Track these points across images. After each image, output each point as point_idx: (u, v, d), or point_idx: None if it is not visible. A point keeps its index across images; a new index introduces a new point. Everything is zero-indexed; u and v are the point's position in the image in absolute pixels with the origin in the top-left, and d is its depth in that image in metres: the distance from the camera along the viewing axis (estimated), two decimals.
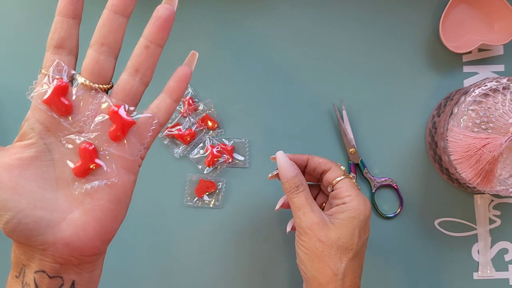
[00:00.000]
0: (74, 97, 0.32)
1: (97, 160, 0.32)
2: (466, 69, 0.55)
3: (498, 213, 0.54)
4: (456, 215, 0.54)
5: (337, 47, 0.55)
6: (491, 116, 0.45)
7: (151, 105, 0.34)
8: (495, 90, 0.46)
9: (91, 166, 0.32)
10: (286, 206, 0.48)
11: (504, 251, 0.54)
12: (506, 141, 0.42)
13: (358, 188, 0.44)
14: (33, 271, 0.31)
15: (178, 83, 0.34)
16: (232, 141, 0.54)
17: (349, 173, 0.54)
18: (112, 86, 0.33)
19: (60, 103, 0.31)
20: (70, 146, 0.32)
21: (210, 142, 0.54)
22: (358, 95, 0.55)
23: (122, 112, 0.32)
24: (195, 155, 0.54)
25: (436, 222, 0.54)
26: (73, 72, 0.33)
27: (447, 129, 0.47)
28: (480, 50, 0.55)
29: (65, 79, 0.32)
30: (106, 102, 0.32)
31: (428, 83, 0.55)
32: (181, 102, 0.54)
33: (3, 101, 0.55)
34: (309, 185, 0.47)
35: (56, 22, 0.32)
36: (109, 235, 0.33)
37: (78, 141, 0.32)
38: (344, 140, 0.54)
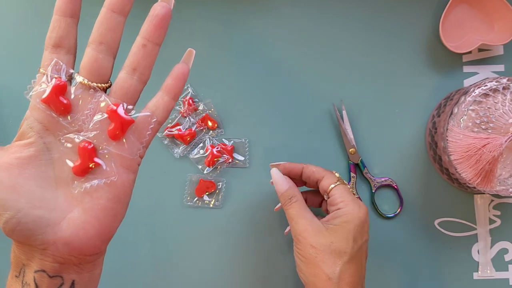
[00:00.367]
0: (72, 96, 0.32)
1: (96, 159, 0.32)
2: (466, 69, 0.55)
3: (498, 213, 0.54)
4: (456, 215, 0.54)
5: (337, 47, 0.55)
6: (491, 116, 0.45)
7: (149, 104, 0.34)
8: (495, 90, 0.46)
9: (91, 165, 0.32)
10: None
11: (504, 251, 0.54)
12: (506, 141, 0.42)
13: (354, 194, 0.45)
14: (33, 270, 0.31)
15: (176, 81, 0.34)
16: (232, 141, 0.54)
17: (349, 173, 0.54)
18: (111, 85, 0.33)
19: (59, 102, 0.31)
20: (69, 145, 0.32)
21: (210, 142, 0.54)
22: (358, 95, 0.55)
23: (120, 111, 0.32)
24: (195, 155, 0.54)
25: (436, 222, 0.54)
26: (71, 71, 0.33)
27: (447, 129, 0.47)
28: (480, 50, 0.55)
29: (64, 78, 0.32)
30: (104, 101, 0.32)
31: (428, 83, 0.55)
32: (181, 102, 0.54)
33: (3, 101, 0.55)
34: (313, 191, 0.50)
35: (54, 21, 0.32)
36: (109, 234, 0.33)
37: (77, 140, 0.32)
38: (344, 140, 0.54)
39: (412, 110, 0.55)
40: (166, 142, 0.54)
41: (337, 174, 0.46)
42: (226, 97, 0.55)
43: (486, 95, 0.46)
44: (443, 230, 0.54)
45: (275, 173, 0.47)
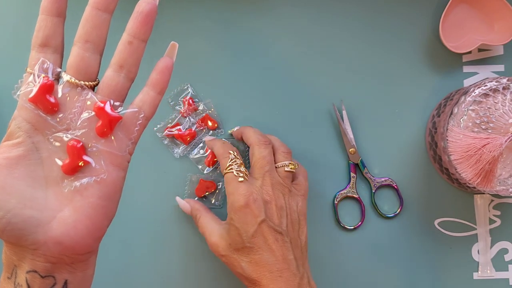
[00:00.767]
0: (60, 95, 0.32)
1: (85, 157, 0.32)
2: (466, 69, 0.55)
3: (498, 213, 0.54)
4: (456, 215, 0.54)
5: (337, 47, 0.55)
6: (491, 116, 0.45)
7: (135, 100, 0.34)
8: (495, 90, 0.46)
9: (80, 163, 0.32)
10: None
11: (504, 251, 0.54)
12: (506, 141, 0.42)
13: (241, 181, 0.44)
14: (25, 271, 0.31)
15: (161, 75, 0.34)
16: (231, 141, 0.54)
17: (349, 173, 0.54)
18: (98, 82, 0.33)
19: (46, 101, 0.32)
20: (57, 144, 0.32)
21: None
22: (358, 95, 0.55)
23: (107, 108, 0.32)
24: (195, 155, 0.54)
25: (436, 222, 0.54)
26: (59, 70, 0.33)
27: (447, 129, 0.47)
28: (480, 50, 0.55)
29: (51, 77, 0.32)
30: (91, 99, 0.32)
31: (428, 83, 0.55)
32: (181, 102, 0.54)
33: (3, 101, 0.55)
34: None
35: (40, 21, 0.32)
36: (101, 232, 0.33)
37: (65, 139, 0.32)
38: (344, 140, 0.54)
39: (412, 110, 0.55)
40: (166, 142, 0.54)
41: (230, 158, 0.46)
42: (226, 97, 0.55)
43: (486, 95, 0.46)
44: (443, 230, 0.54)
45: (178, 201, 0.51)
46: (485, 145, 0.43)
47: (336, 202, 0.53)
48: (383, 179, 0.54)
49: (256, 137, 0.47)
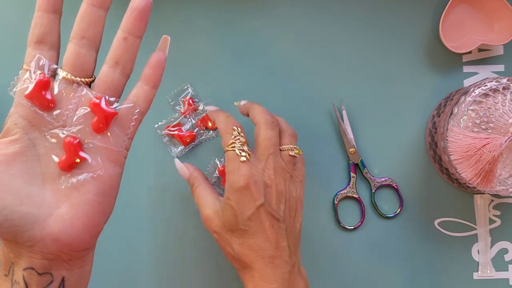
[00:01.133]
0: (56, 91, 0.32)
1: (82, 153, 0.32)
2: (466, 69, 0.55)
3: (498, 213, 0.54)
4: (456, 215, 0.54)
5: (337, 47, 0.55)
6: (491, 116, 0.45)
7: (129, 95, 0.34)
8: (495, 90, 0.46)
9: (76, 160, 0.32)
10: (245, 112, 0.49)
11: (504, 251, 0.54)
12: (506, 141, 0.42)
13: (243, 160, 0.41)
14: (22, 268, 0.31)
15: (153, 70, 0.34)
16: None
17: (349, 173, 0.54)
18: (94, 79, 0.33)
19: (43, 97, 0.32)
20: (54, 140, 0.32)
21: (220, 164, 0.53)
22: (358, 95, 0.55)
23: (103, 103, 0.32)
24: (212, 181, 0.53)
25: (436, 222, 0.54)
26: (55, 66, 0.33)
27: (447, 129, 0.47)
28: (480, 50, 0.55)
29: (47, 73, 0.32)
30: (87, 95, 0.32)
31: (428, 83, 0.55)
32: (181, 102, 0.54)
33: (3, 101, 0.55)
34: None
35: (36, 18, 0.32)
36: (98, 229, 0.33)
37: (62, 135, 0.32)
38: (344, 140, 0.54)
39: (412, 110, 0.55)
40: (165, 140, 0.54)
41: (233, 134, 0.43)
42: (226, 97, 0.55)
43: (486, 95, 0.46)
44: (443, 230, 0.54)
45: (176, 163, 0.48)
46: (485, 145, 0.43)
47: (336, 202, 0.53)
48: (383, 179, 0.54)
49: (264, 117, 0.44)
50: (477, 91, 0.46)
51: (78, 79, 0.32)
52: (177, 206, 0.54)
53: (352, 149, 0.54)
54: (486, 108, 0.45)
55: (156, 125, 0.54)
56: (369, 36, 0.55)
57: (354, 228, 0.54)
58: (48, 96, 0.32)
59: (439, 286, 0.54)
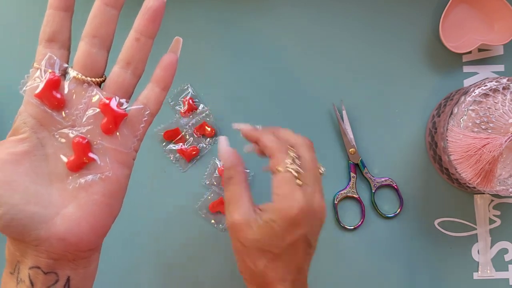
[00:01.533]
0: (66, 91, 0.32)
1: (90, 154, 0.32)
2: (466, 69, 0.55)
3: (498, 213, 0.54)
4: (456, 215, 0.54)
5: (337, 47, 0.55)
6: (491, 116, 0.45)
7: (139, 96, 0.34)
8: (495, 90, 0.46)
9: (85, 160, 0.32)
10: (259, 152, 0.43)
11: (504, 251, 0.54)
12: (506, 141, 0.42)
13: (299, 184, 0.38)
14: (28, 267, 0.31)
15: (165, 71, 0.34)
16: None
17: (349, 173, 0.54)
18: (105, 79, 0.33)
19: (53, 97, 0.31)
20: (63, 140, 0.32)
21: (220, 164, 0.53)
22: (358, 95, 0.55)
23: (113, 104, 0.32)
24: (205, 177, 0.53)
25: (436, 222, 0.54)
26: (65, 65, 0.32)
27: (447, 129, 0.47)
28: (480, 50, 0.55)
29: (57, 72, 0.32)
30: (97, 95, 0.32)
31: (428, 83, 0.55)
32: (181, 102, 0.54)
33: (3, 101, 0.55)
34: None
35: (48, 16, 0.32)
36: (104, 230, 0.33)
37: (71, 135, 0.32)
38: (344, 140, 0.54)
39: (412, 110, 0.55)
40: (171, 157, 0.54)
41: (291, 154, 0.39)
42: (226, 97, 0.55)
43: (486, 95, 0.46)
44: (443, 230, 0.54)
45: (222, 142, 0.41)
46: (485, 145, 0.43)
47: (336, 202, 0.53)
48: (383, 179, 0.54)
49: (301, 138, 0.41)
50: (477, 91, 0.46)
51: (89, 78, 0.32)
52: (177, 205, 0.54)
53: (352, 149, 0.54)
54: (486, 108, 0.45)
55: (155, 129, 0.54)
56: (369, 36, 0.55)
57: (354, 228, 0.54)
58: (58, 96, 0.31)
59: (439, 286, 0.54)
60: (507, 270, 0.54)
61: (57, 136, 0.32)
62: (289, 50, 0.55)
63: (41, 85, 0.31)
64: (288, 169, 0.38)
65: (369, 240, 0.54)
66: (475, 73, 0.55)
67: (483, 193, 0.53)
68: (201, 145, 0.54)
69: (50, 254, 0.31)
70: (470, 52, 0.55)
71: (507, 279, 0.54)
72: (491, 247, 0.54)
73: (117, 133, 0.32)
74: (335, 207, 0.53)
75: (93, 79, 0.32)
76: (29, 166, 0.31)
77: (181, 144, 0.54)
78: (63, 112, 0.32)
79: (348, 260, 0.54)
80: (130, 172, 0.34)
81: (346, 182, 0.54)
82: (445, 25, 0.53)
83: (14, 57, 0.55)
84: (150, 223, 0.54)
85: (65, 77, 0.33)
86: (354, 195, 0.53)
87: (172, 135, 0.54)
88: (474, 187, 0.46)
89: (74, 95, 0.32)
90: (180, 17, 0.55)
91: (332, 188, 0.54)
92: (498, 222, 0.54)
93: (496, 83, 0.46)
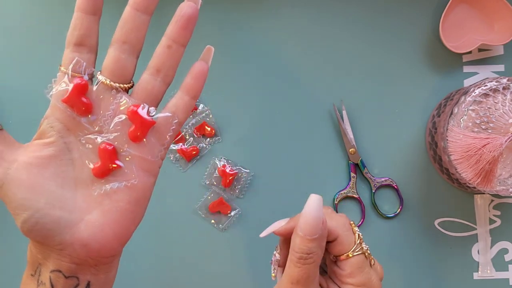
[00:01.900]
0: (94, 96, 0.31)
1: (116, 161, 0.31)
2: (466, 69, 0.55)
3: (498, 213, 0.54)
4: (456, 215, 0.54)
5: (337, 47, 0.55)
6: (491, 116, 0.45)
7: (168, 104, 0.33)
8: (495, 90, 0.46)
9: (111, 167, 0.31)
10: (281, 234, 0.36)
11: (504, 251, 0.54)
12: (506, 141, 0.42)
13: (371, 264, 0.35)
14: (49, 270, 0.31)
15: (195, 80, 0.33)
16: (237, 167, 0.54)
17: (349, 173, 0.54)
18: (133, 85, 0.33)
19: (80, 102, 0.31)
20: (89, 146, 0.32)
21: (220, 164, 0.53)
22: (358, 95, 0.55)
23: (141, 112, 0.31)
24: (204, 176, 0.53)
25: (436, 222, 0.54)
26: (92, 70, 0.32)
27: (447, 129, 0.47)
28: (480, 50, 0.55)
29: (85, 77, 0.31)
30: (125, 102, 0.31)
31: (428, 83, 0.55)
32: None
33: (2, 101, 0.55)
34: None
35: (76, 19, 0.31)
36: (127, 237, 0.33)
37: (98, 141, 0.31)
38: (344, 140, 0.54)
39: (412, 110, 0.55)
40: (170, 157, 0.54)
41: (356, 229, 0.35)
42: (226, 97, 0.55)
43: (486, 95, 0.46)
44: (443, 230, 0.54)
45: (315, 203, 0.32)
46: (485, 145, 0.43)
47: (336, 202, 0.53)
48: (383, 179, 0.54)
49: (343, 220, 0.35)
50: (477, 91, 0.46)
51: (117, 85, 0.31)
52: (177, 205, 0.54)
53: (352, 149, 0.53)
54: (486, 108, 0.45)
55: None
56: (369, 36, 0.55)
57: None
58: (86, 101, 0.31)
59: (439, 286, 0.54)
60: (507, 270, 0.54)
61: (84, 142, 0.32)
62: (289, 50, 0.55)
63: (69, 90, 0.31)
64: (359, 251, 0.34)
65: (369, 240, 0.53)
66: (475, 73, 0.55)
67: (483, 193, 0.53)
68: (201, 145, 0.54)
69: (72, 258, 0.31)
70: (470, 52, 0.55)
71: (507, 279, 0.54)
72: (491, 247, 0.54)
73: (144, 141, 0.32)
74: (335, 207, 0.53)
75: (121, 85, 0.32)
76: (55, 170, 0.31)
77: (181, 144, 0.54)
78: (90, 118, 0.31)
79: None
80: (155, 180, 0.33)
81: (346, 182, 0.54)
82: (445, 25, 0.53)
83: (14, 57, 0.55)
84: (150, 223, 0.54)
85: (92, 81, 0.32)
86: (354, 195, 0.53)
87: None
88: (474, 187, 0.46)
89: (102, 101, 0.32)
90: None
91: (332, 188, 0.54)
92: (498, 222, 0.54)
93: (496, 83, 0.45)
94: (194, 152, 0.54)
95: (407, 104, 0.55)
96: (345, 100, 0.54)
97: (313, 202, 0.32)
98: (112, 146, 0.31)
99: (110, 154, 0.31)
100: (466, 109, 0.46)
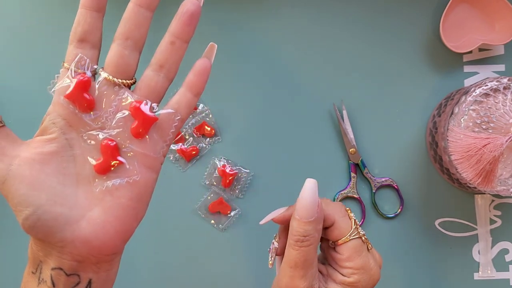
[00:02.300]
0: (96, 93, 0.31)
1: (119, 158, 0.31)
2: (467, 69, 0.55)
3: (499, 213, 0.54)
4: (457, 215, 0.54)
5: (337, 47, 0.55)
6: (491, 116, 0.45)
7: (170, 101, 0.33)
8: (496, 90, 0.45)
9: (113, 163, 0.31)
10: (280, 221, 0.37)
11: (505, 251, 0.54)
12: (506, 141, 0.42)
13: (369, 248, 0.36)
14: (50, 267, 0.31)
15: (198, 77, 0.33)
16: (237, 167, 0.54)
17: (350, 173, 0.54)
18: (135, 81, 0.33)
19: (83, 98, 0.31)
20: (92, 142, 0.32)
21: (220, 164, 0.53)
22: (358, 95, 0.55)
23: (144, 108, 0.31)
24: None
25: (437, 222, 0.54)
26: (95, 66, 0.32)
27: (447, 129, 0.47)
28: (480, 50, 0.55)
29: (88, 73, 0.31)
30: (128, 98, 0.31)
31: (428, 83, 0.55)
32: None
33: (2, 101, 0.55)
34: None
35: (80, 15, 0.31)
36: (128, 234, 0.33)
37: (100, 137, 0.31)
38: (345, 140, 0.54)
39: (412, 110, 0.55)
40: (170, 157, 0.54)
41: (352, 215, 0.36)
42: (226, 97, 0.55)
43: (486, 95, 0.46)
44: (443, 230, 0.54)
45: (310, 188, 0.34)
46: (485, 145, 0.43)
47: None
48: (383, 179, 0.54)
49: (339, 207, 0.36)
50: (477, 91, 0.46)
51: (120, 81, 0.32)
52: (177, 205, 0.54)
53: (352, 149, 0.53)
54: (486, 108, 0.45)
55: None
56: (369, 36, 0.55)
57: None
58: (88, 97, 0.31)
59: (439, 286, 0.53)
60: (508, 271, 0.54)
61: (86, 138, 0.32)
62: (289, 50, 0.55)
63: (72, 86, 0.31)
64: (355, 235, 0.35)
65: (370, 240, 0.54)
66: (475, 73, 0.55)
67: (484, 193, 0.53)
68: (200, 145, 0.54)
69: (74, 256, 0.31)
70: (470, 52, 0.54)
71: (508, 280, 0.53)
72: (491, 247, 0.53)
73: (147, 137, 0.32)
74: None
75: (124, 81, 0.32)
76: (57, 166, 0.31)
77: (180, 144, 0.54)
78: (92, 114, 0.31)
79: None
80: (157, 177, 0.33)
81: (347, 182, 0.54)
82: (445, 25, 0.53)
83: (14, 57, 0.55)
84: (150, 223, 0.54)
85: (94, 78, 0.32)
86: (355, 195, 0.53)
87: None
88: (475, 187, 0.46)
89: (104, 97, 0.32)
90: None
91: (332, 188, 0.54)
92: (499, 222, 0.54)
93: (496, 83, 0.45)
94: (194, 152, 0.53)
95: (408, 104, 0.55)
96: (345, 100, 0.54)
97: (309, 186, 0.34)
98: (114, 142, 0.31)
99: (112, 150, 0.31)
100: (466, 109, 0.46)
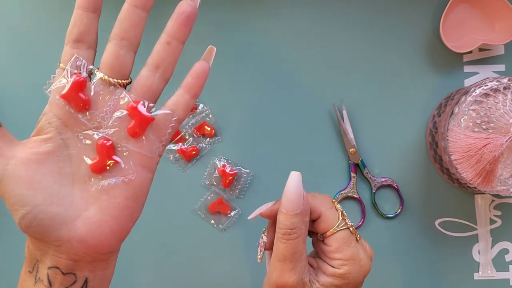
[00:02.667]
0: (92, 93, 0.32)
1: (114, 157, 0.32)
2: (467, 69, 0.55)
3: (499, 213, 0.54)
4: (457, 215, 0.54)
5: (337, 47, 0.55)
6: (491, 116, 0.45)
7: (168, 102, 0.33)
8: (496, 90, 0.45)
9: (108, 163, 0.31)
10: (268, 216, 0.38)
11: (505, 251, 0.54)
12: (506, 141, 0.42)
13: (357, 239, 0.36)
14: (47, 266, 0.31)
15: (196, 79, 0.34)
16: (237, 167, 0.54)
17: (350, 173, 0.53)
18: (131, 81, 0.33)
19: (78, 98, 0.31)
20: (87, 141, 0.32)
21: (220, 164, 0.53)
22: (358, 95, 0.55)
23: (141, 108, 0.32)
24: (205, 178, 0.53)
25: (437, 222, 0.54)
26: (91, 67, 0.32)
27: (447, 129, 0.47)
28: (480, 50, 0.55)
29: (84, 74, 0.32)
30: (125, 98, 0.32)
31: (428, 83, 0.55)
32: None
33: (3, 101, 0.55)
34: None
35: (76, 16, 0.32)
36: (124, 233, 0.33)
37: (96, 137, 0.32)
38: (345, 140, 0.54)
39: (412, 110, 0.55)
40: (170, 157, 0.54)
41: (338, 206, 0.36)
42: (226, 97, 0.55)
43: (486, 95, 0.46)
44: (443, 230, 0.54)
45: (294, 180, 0.35)
46: (485, 145, 0.43)
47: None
48: (383, 179, 0.54)
49: (325, 199, 0.37)
50: (477, 91, 0.46)
51: (115, 80, 0.32)
52: (176, 205, 0.54)
53: (352, 149, 0.53)
54: (486, 108, 0.45)
55: None
56: (369, 36, 0.55)
57: None
58: (84, 97, 0.31)
59: (439, 286, 0.53)
60: (508, 271, 0.54)
61: (82, 138, 0.32)
62: (289, 50, 0.55)
63: (67, 86, 0.31)
64: (343, 227, 0.35)
65: (370, 240, 0.53)
66: (475, 73, 0.55)
67: (484, 193, 0.53)
68: (200, 145, 0.54)
69: (70, 255, 0.31)
70: (470, 52, 0.54)
71: (508, 280, 0.53)
72: (491, 247, 0.53)
73: (143, 137, 0.32)
74: None
75: (120, 81, 0.32)
76: (53, 166, 0.31)
77: (180, 144, 0.54)
78: (88, 114, 0.32)
79: None
80: (153, 176, 0.34)
81: (347, 182, 0.54)
82: (445, 25, 0.53)
83: (14, 57, 0.55)
84: (149, 224, 0.54)
85: (90, 78, 0.33)
86: (355, 195, 0.53)
87: None
88: (475, 187, 0.46)
89: (100, 97, 0.32)
90: None
91: (332, 188, 0.54)
92: (499, 222, 0.54)
93: (497, 83, 0.45)
94: (194, 152, 0.53)
95: (408, 104, 0.55)
96: (345, 100, 0.54)
97: (293, 179, 0.35)
98: (110, 142, 0.32)
99: (108, 150, 0.31)
100: (466, 109, 0.46)
